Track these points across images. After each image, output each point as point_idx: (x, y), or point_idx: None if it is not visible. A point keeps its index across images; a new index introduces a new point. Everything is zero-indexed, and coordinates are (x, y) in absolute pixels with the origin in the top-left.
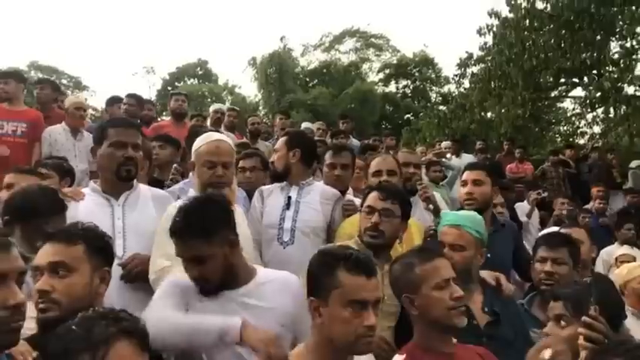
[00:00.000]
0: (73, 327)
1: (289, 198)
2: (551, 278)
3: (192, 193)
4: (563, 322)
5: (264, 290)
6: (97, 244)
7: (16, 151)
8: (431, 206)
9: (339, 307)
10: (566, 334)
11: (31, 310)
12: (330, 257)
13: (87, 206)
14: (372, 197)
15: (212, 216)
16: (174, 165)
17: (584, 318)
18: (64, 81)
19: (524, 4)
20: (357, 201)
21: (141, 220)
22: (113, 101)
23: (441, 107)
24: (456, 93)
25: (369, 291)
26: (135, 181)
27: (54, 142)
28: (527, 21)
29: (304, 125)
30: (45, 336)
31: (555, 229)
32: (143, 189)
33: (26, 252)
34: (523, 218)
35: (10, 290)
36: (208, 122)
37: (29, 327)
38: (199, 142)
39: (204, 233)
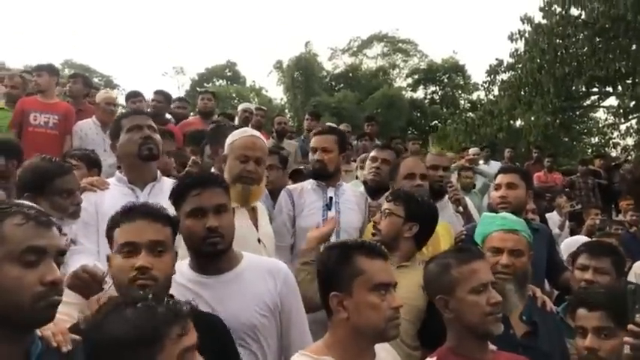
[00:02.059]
0: (152, 304)
1: (330, 199)
2: (593, 287)
3: None
4: (604, 334)
5: (247, 276)
6: (175, 231)
7: (48, 143)
8: (460, 208)
9: (366, 293)
10: (611, 347)
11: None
12: (345, 248)
13: (113, 195)
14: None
15: (220, 175)
16: (192, 158)
17: (630, 326)
18: (96, 79)
19: (558, 10)
20: None
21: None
22: (129, 97)
23: (470, 114)
24: (485, 100)
25: (389, 273)
26: (159, 173)
27: (84, 136)
28: (561, 27)
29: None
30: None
31: (585, 239)
32: (167, 182)
33: (58, 220)
34: (554, 229)
35: (48, 266)
36: (236, 121)
37: (65, 312)
38: (235, 136)
39: (224, 184)
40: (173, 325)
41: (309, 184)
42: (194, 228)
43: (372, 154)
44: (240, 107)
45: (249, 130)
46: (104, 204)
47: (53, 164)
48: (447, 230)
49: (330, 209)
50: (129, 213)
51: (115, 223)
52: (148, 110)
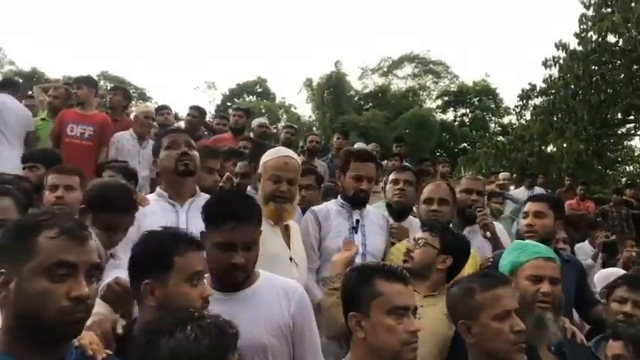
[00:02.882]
0: (214, 321)
1: (357, 222)
2: (629, 321)
3: None
4: None
5: (261, 296)
6: None
7: (83, 154)
8: (488, 233)
9: (382, 315)
10: None
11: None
12: (366, 270)
13: (154, 211)
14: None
15: (257, 205)
16: (227, 174)
17: None
18: (130, 91)
19: (594, 38)
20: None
21: (203, 227)
22: (157, 110)
23: (500, 138)
24: (516, 124)
25: (408, 297)
26: (198, 189)
27: (121, 148)
28: (597, 54)
29: (357, 146)
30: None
31: (622, 271)
32: (206, 198)
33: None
34: (585, 260)
35: (76, 282)
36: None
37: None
38: (269, 156)
39: (259, 218)
40: (233, 342)
41: (334, 204)
42: (220, 260)
43: (393, 176)
44: (254, 123)
45: (282, 150)
46: (145, 219)
47: (126, 197)
48: (472, 257)
49: (356, 232)
50: (189, 241)
51: (173, 250)
52: (181, 124)
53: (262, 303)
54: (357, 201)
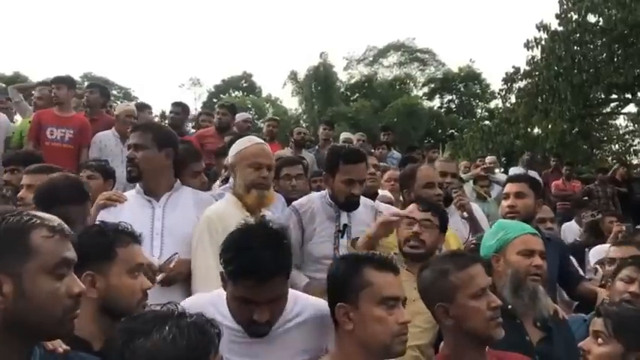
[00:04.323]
0: (196, 320)
1: (344, 226)
2: (636, 301)
3: (228, 196)
4: (600, 340)
5: (295, 333)
6: None
7: (63, 157)
8: (465, 214)
9: (372, 306)
10: (601, 352)
11: None
12: (355, 259)
13: (131, 207)
14: (412, 208)
15: (288, 251)
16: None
17: None
18: (115, 92)
19: (575, 18)
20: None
21: (180, 222)
22: (141, 107)
23: (487, 122)
24: (502, 108)
25: (398, 287)
26: (178, 182)
27: (104, 148)
28: (578, 34)
29: (344, 135)
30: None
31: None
32: (186, 191)
33: None
34: (571, 238)
35: (73, 279)
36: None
37: None
38: (243, 144)
39: (288, 268)
40: (216, 341)
41: (320, 200)
42: (239, 312)
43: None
44: (239, 118)
45: (255, 139)
46: (123, 215)
47: (70, 188)
48: (455, 240)
49: (342, 237)
50: (130, 235)
51: (116, 241)
52: (166, 122)
53: (296, 340)
54: (348, 206)
